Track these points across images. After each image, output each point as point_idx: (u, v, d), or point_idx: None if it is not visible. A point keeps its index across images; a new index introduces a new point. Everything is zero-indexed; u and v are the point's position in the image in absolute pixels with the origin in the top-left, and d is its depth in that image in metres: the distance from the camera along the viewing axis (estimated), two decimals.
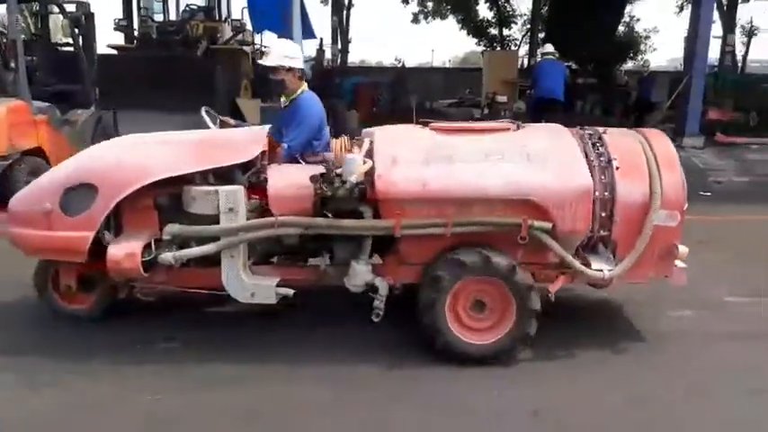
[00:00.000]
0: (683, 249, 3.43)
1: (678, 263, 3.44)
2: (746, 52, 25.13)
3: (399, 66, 23.20)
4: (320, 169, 3.31)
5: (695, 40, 9.63)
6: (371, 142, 3.38)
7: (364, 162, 3.17)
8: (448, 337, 3.17)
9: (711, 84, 14.26)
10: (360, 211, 3.24)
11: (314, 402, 2.90)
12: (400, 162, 3.19)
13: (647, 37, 23.15)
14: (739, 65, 21.17)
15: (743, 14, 29.08)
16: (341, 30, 24.38)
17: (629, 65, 21.55)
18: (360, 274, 3.26)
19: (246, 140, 3.50)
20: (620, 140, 3.49)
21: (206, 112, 4.01)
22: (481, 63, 19.33)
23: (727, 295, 4.38)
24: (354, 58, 27.86)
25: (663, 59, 36.69)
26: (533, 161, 3.21)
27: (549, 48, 10.04)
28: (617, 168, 3.29)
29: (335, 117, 10.05)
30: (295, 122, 3.91)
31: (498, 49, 23.38)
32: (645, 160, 3.35)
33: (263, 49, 3.72)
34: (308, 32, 16.41)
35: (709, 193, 8.24)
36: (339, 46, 23.68)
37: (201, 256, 3.26)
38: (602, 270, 3.24)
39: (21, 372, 3.15)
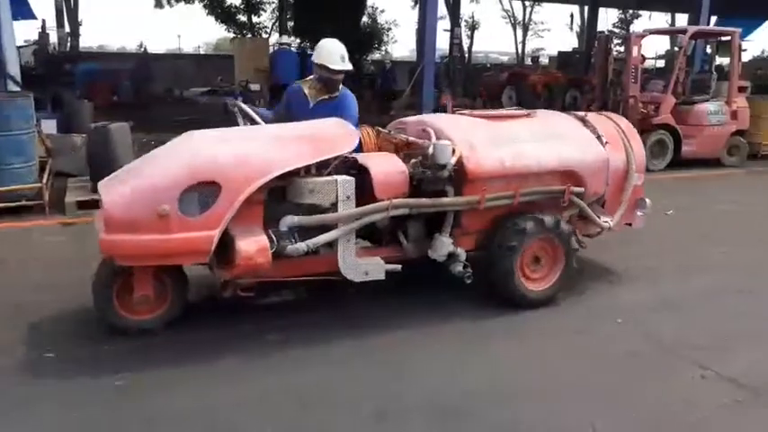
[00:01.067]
0: (648, 201, 4.38)
1: (638, 212, 4.40)
2: (471, 44, 28.37)
3: (142, 52, 21.62)
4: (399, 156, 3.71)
5: (425, 33, 10.52)
6: (437, 130, 3.71)
7: (453, 149, 3.53)
8: (518, 290, 3.78)
9: (444, 72, 15.88)
10: (445, 191, 3.64)
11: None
12: (477, 146, 3.69)
13: (389, 29, 24.78)
14: (466, 55, 23.77)
15: (466, 10, 32.82)
16: (68, 11, 21.84)
17: (377, 56, 22.84)
18: (444, 245, 3.66)
19: (346, 133, 3.59)
20: (599, 121, 4.35)
21: (233, 105, 4.06)
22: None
23: None
24: (92, 43, 25.16)
25: (406, 50, 39.62)
26: (564, 140, 4.00)
27: (285, 39, 10.45)
28: (606, 143, 4.13)
29: (62, 107, 8.99)
30: (346, 115, 3.99)
31: (249, 36, 23.02)
32: (619, 136, 4.29)
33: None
34: (23, 12, 14.32)
35: None
36: (67, 29, 21.24)
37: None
38: (607, 221, 4.17)
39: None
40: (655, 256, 5.03)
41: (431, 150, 3.52)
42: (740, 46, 10.80)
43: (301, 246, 3.30)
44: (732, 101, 9.81)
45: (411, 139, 3.82)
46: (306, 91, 4.26)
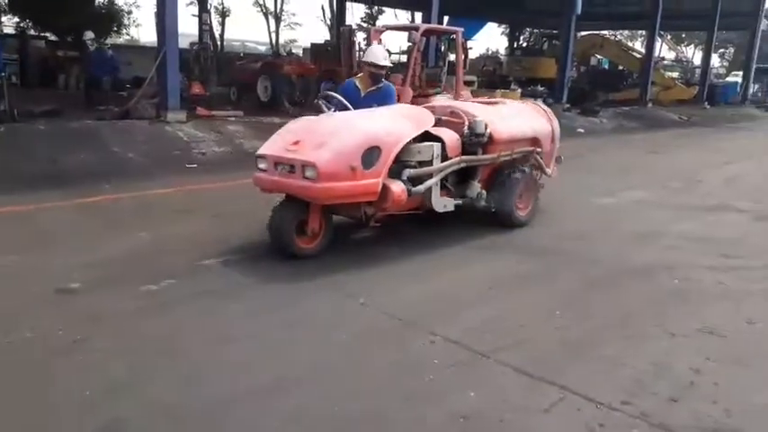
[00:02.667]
0: (562, 158, 6.68)
1: (556, 166, 6.54)
2: (222, 31, 27.56)
3: None
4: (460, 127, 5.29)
5: (164, 16, 9.84)
6: (464, 112, 5.43)
7: (486, 123, 5.31)
8: (514, 214, 5.73)
9: (195, 60, 15.07)
10: (475, 151, 5.36)
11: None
12: (494, 121, 5.48)
13: (130, 12, 22.86)
14: (218, 43, 23.01)
15: None
16: None
17: (121, 39, 20.88)
18: (476, 188, 5.42)
19: (427, 114, 5.17)
20: (536, 107, 6.60)
21: (323, 97, 5.33)
22: None
23: (204, 258, 4.62)
24: None
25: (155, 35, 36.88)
26: (529, 117, 6.15)
27: None
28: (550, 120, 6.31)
29: None
30: (389, 101, 5.47)
31: None
32: (548, 116, 6.34)
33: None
34: None
35: (195, 165, 8.65)
36: None
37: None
38: (549, 171, 6.30)
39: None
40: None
41: (472, 125, 5.27)
42: (465, 43, 12.10)
43: (420, 187, 4.87)
44: (459, 94, 10.97)
45: (455, 117, 5.42)
46: (357, 84, 5.64)
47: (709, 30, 25.74)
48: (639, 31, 39.47)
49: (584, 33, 27.55)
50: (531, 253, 5.23)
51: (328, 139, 4.46)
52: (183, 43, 15.45)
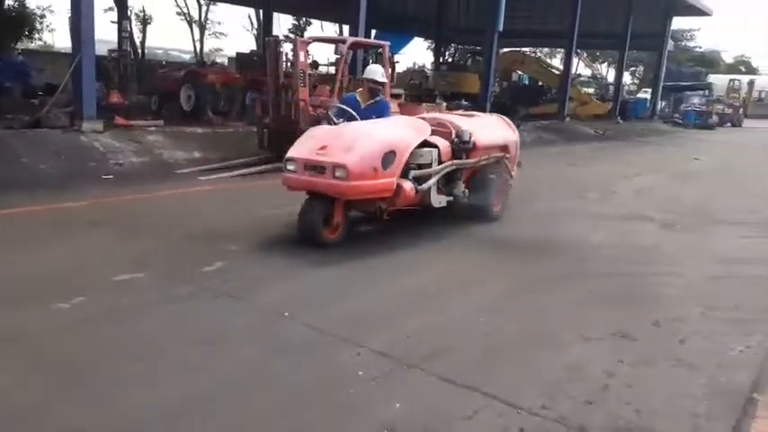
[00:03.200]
0: (521, 163, 7.65)
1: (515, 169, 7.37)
2: (144, 39, 26.70)
3: None
4: (449, 135, 6.23)
5: (79, 22, 9.41)
6: (450, 122, 6.40)
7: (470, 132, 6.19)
8: (492, 211, 6.67)
9: (114, 68, 14.48)
10: (461, 156, 6.22)
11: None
12: (475, 131, 6.32)
13: (43, 15, 21.73)
14: (139, 50, 22.27)
15: (136, 2, 30.69)
16: None
17: (34, 45, 19.81)
18: (461, 187, 6.25)
19: (425, 125, 6.06)
20: (496, 116, 7.81)
21: (331, 109, 6.43)
22: None
23: (118, 274, 4.42)
24: None
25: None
26: (499, 128, 7.25)
27: None
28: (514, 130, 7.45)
29: None
30: (386, 113, 6.36)
31: None
32: (509, 124, 7.45)
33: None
34: None
35: (111, 176, 8.30)
36: None
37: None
38: (513, 174, 7.21)
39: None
40: None
41: (459, 134, 6.18)
42: (391, 57, 12.23)
43: (424, 186, 5.68)
44: None
45: (442, 127, 6.31)
46: (358, 98, 6.43)
47: (621, 49, 27.24)
48: (558, 49, 41.24)
49: (506, 50, 28.52)
50: (450, 263, 5.31)
51: (354, 145, 5.23)
52: (102, 50, 14.85)
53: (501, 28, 17.23)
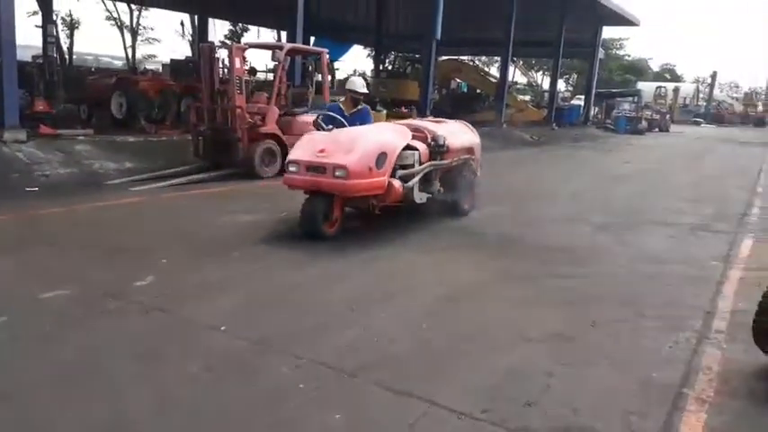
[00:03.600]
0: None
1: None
2: (71, 44, 25.68)
3: None
4: (425, 139, 6.79)
5: None
6: (426, 128, 6.97)
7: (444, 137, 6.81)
8: (463, 206, 7.53)
9: (40, 74, 13.82)
10: (436, 158, 6.79)
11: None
12: (448, 136, 6.96)
13: None
14: (66, 56, 21.38)
15: (62, 6, 29.55)
16: None
17: None
18: (436, 185, 6.94)
19: (405, 132, 6.61)
20: (461, 122, 8.31)
21: (320, 117, 6.70)
22: None
23: (43, 291, 4.18)
24: None
25: None
26: (465, 132, 7.88)
27: None
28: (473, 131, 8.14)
29: None
30: (368, 121, 7.00)
31: None
32: (472, 130, 8.10)
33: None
34: None
35: (36, 189, 7.90)
36: None
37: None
38: (479, 173, 7.94)
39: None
40: None
41: (435, 138, 6.72)
42: (330, 64, 12.19)
43: (410, 184, 6.25)
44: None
45: (419, 132, 6.84)
46: (341, 106, 7.02)
47: (555, 57, 28.09)
48: (495, 58, 42.20)
49: (444, 58, 28.95)
50: (392, 270, 5.30)
51: (352, 148, 5.82)
52: (26, 56, 14.15)
53: (439, 36, 17.46)
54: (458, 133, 7.58)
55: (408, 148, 6.42)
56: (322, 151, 5.86)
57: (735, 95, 74.74)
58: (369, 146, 5.91)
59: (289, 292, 4.53)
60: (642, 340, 3.93)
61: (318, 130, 6.46)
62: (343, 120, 6.64)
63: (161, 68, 20.02)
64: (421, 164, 6.53)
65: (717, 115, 56.53)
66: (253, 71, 11.90)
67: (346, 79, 9.97)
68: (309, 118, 10.63)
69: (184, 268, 4.94)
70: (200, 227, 6.39)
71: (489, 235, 6.75)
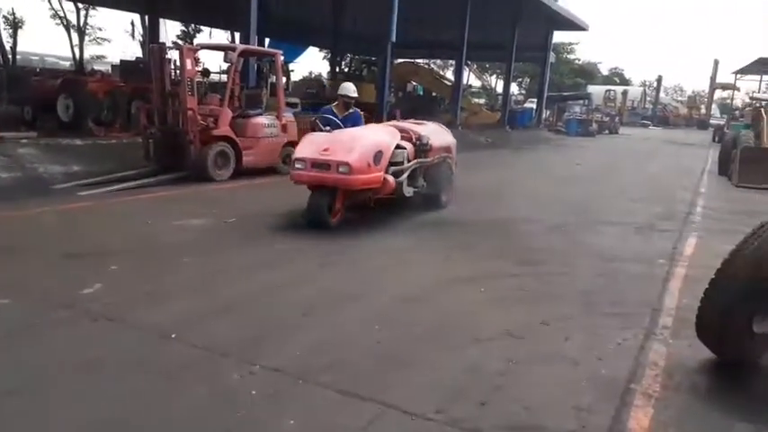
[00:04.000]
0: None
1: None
2: (15, 44, 24.79)
3: None
4: (411, 139, 7.59)
5: None
6: (411, 130, 7.75)
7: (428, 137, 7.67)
8: (445, 200, 8.27)
9: None
10: (420, 156, 7.52)
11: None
12: (430, 136, 7.78)
13: None
14: (9, 56, 20.60)
15: (5, 5, 28.54)
16: None
17: None
18: (421, 181, 7.66)
19: (395, 133, 7.36)
20: (437, 124, 9.23)
21: (318, 118, 7.52)
22: None
23: None
24: None
25: None
26: (442, 133, 8.69)
27: None
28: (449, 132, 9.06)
29: None
30: (359, 123, 7.84)
31: None
32: (448, 131, 9.04)
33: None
34: None
35: None
36: None
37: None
38: (455, 170, 8.62)
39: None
40: None
41: (420, 138, 7.53)
42: (285, 66, 12.08)
43: (400, 179, 6.96)
44: (281, 115, 10.89)
45: (405, 133, 7.61)
46: (334, 110, 7.79)
47: (508, 61, 28.54)
48: (450, 61, 42.65)
49: (400, 60, 29.08)
50: (348, 276, 5.28)
51: (353, 147, 6.50)
52: None
53: (394, 38, 17.52)
54: (438, 134, 8.36)
55: (398, 147, 7.07)
56: (326, 150, 6.48)
57: (679, 99, 77.61)
58: (367, 145, 6.61)
59: (242, 296, 4.46)
60: (591, 338, 4.02)
61: (315, 130, 7.17)
62: (338, 122, 7.45)
63: (110, 69, 19.50)
64: (409, 161, 7.23)
65: (663, 118, 58.59)
66: (206, 72, 11.69)
67: (310, 80, 10.23)
68: (264, 120, 10.58)
69: (134, 274, 4.82)
70: (151, 232, 6.23)
71: (446, 232, 6.81)
